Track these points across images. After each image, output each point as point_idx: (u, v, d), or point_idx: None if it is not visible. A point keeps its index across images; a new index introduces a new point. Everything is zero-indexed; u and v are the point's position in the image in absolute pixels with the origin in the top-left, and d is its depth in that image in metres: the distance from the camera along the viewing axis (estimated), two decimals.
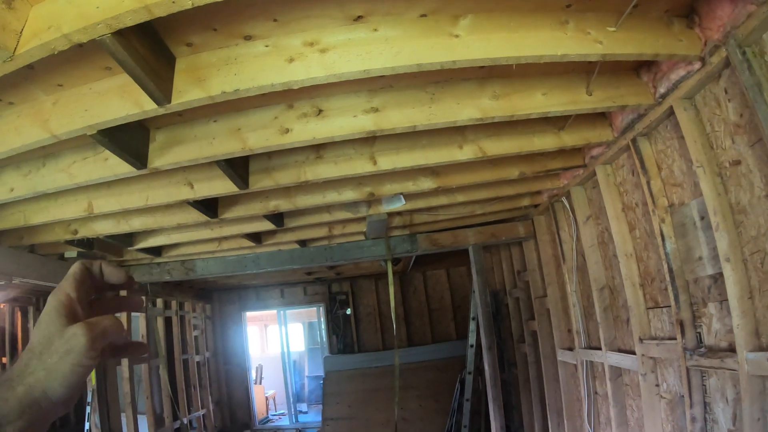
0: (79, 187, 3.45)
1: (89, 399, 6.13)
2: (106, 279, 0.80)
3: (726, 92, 2.54)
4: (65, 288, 0.73)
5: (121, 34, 1.89)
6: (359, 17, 2.30)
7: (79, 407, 7.62)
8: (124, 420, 6.57)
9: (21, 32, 1.89)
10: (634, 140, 3.36)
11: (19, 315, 8.21)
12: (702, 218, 2.88)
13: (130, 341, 0.85)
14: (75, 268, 0.76)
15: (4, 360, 7.88)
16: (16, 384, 0.63)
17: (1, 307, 7.95)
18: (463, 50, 2.33)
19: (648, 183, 3.28)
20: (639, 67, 3.06)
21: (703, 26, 2.48)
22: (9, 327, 8.06)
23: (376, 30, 2.33)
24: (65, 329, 0.67)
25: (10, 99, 2.61)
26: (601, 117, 3.60)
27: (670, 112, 2.94)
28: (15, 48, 1.88)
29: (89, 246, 5.07)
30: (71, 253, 5.24)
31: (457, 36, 2.34)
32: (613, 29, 2.42)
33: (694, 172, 2.81)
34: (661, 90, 2.93)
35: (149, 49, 2.15)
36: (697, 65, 2.61)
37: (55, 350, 0.66)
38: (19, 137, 2.64)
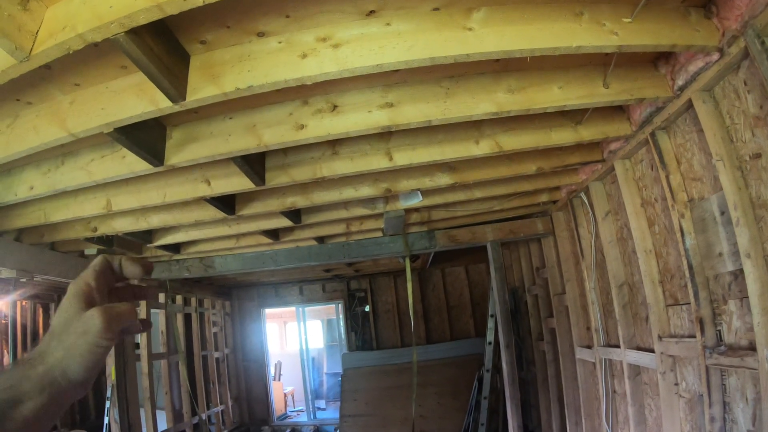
0: (98, 185, 3.49)
1: (108, 394, 6.20)
2: (125, 275, 0.84)
3: (745, 84, 2.50)
4: (85, 277, 0.77)
5: (135, 32, 1.92)
6: (372, 12, 2.29)
7: (99, 401, 7.72)
8: (143, 415, 6.64)
9: (37, 33, 1.92)
10: (652, 134, 3.31)
11: (40, 311, 8.34)
12: (722, 213, 2.83)
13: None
14: (97, 260, 0.80)
15: (26, 355, 8.00)
16: (37, 363, 0.68)
17: (23, 303, 8.07)
18: (477, 43, 2.31)
19: (667, 177, 3.23)
20: (656, 60, 3.01)
21: (720, 16, 2.44)
22: (30, 323, 8.18)
23: (388, 24, 2.32)
24: (83, 313, 0.72)
25: (29, 99, 2.66)
26: (618, 111, 3.56)
27: (689, 105, 2.89)
28: (31, 48, 1.91)
29: (109, 243, 5.13)
30: (91, 250, 5.30)
31: (470, 29, 2.32)
32: (628, 20, 2.39)
33: (713, 166, 2.76)
34: (680, 82, 2.88)
35: (163, 47, 2.17)
36: (715, 56, 2.57)
37: (74, 331, 0.70)
38: (37, 136, 2.68)
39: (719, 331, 2.95)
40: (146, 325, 0.91)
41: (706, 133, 2.76)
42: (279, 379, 13.54)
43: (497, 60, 2.75)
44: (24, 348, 8.03)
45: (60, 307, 0.74)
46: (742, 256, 2.58)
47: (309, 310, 13.47)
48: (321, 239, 6.19)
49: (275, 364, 13.66)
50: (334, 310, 13.24)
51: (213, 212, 4.32)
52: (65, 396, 0.70)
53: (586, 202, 4.72)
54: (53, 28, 1.91)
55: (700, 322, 3.01)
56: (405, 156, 3.61)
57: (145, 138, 2.94)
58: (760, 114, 2.43)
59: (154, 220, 4.51)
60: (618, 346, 4.31)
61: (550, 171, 4.25)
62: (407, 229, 5.99)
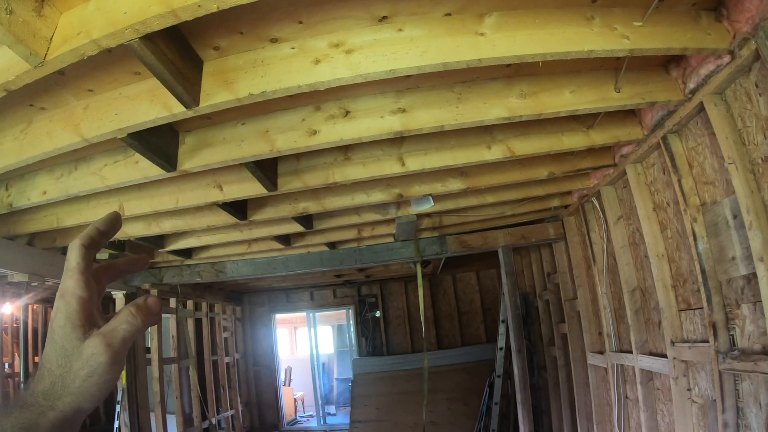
0: (111, 190, 3.51)
1: (119, 398, 6.23)
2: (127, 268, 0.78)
3: (756, 86, 2.49)
4: (72, 288, 0.67)
5: (149, 38, 1.93)
6: (384, 18, 2.31)
7: (109, 406, 7.76)
8: (153, 419, 6.66)
9: (51, 39, 1.94)
10: (664, 138, 3.30)
11: (51, 315, 8.39)
12: (735, 217, 2.82)
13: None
14: (75, 256, 0.68)
15: (37, 359, 8.04)
16: (47, 409, 0.61)
17: (34, 307, 8.12)
18: (489, 48, 2.32)
19: (679, 181, 3.22)
20: (668, 63, 3.01)
21: (731, 19, 2.43)
22: (42, 327, 8.23)
23: (401, 30, 2.34)
24: (82, 346, 0.64)
25: (42, 104, 2.69)
26: (630, 114, 3.56)
27: (701, 108, 2.88)
28: (45, 54, 1.93)
29: (121, 248, 5.16)
30: (103, 254, 5.33)
31: (482, 34, 2.33)
32: (639, 24, 2.39)
33: (725, 170, 2.74)
34: (691, 85, 2.88)
35: (177, 53, 2.19)
36: (726, 59, 2.56)
37: (77, 374, 0.62)
38: (51, 141, 2.71)
39: (732, 335, 2.94)
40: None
41: (717, 137, 2.75)
42: (289, 385, 13.55)
43: (509, 65, 2.75)
44: (35, 351, 8.08)
45: (51, 331, 0.66)
46: (755, 260, 2.56)
47: (319, 316, 13.51)
48: (332, 245, 6.20)
49: (285, 370, 13.67)
50: (344, 316, 13.24)
51: (225, 217, 4.35)
52: (77, 426, 0.65)
53: (598, 206, 4.71)
54: (67, 33, 1.93)
55: (713, 326, 2.99)
56: (417, 161, 3.62)
57: (159, 143, 2.96)
58: None
59: (167, 225, 4.54)
60: (630, 352, 4.29)
61: (561, 176, 4.24)
62: (419, 234, 5.99)
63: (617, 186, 4.42)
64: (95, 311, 0.68)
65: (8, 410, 0.61)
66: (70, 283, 0.67)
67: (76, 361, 0.63)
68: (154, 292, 6.54)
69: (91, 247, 0.70)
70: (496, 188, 4.62)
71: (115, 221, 0.75)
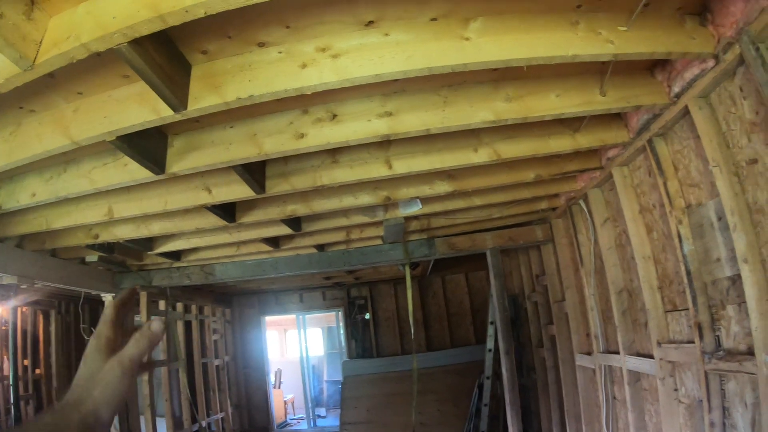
0: (100, 192, 3.50)
1: None
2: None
3: (741, 90, 2.52)
4: (105, 332, 0.90)
5: (137, 43, 1.94)
6: (370, 22, 2.32)
7: None
8: (143, 422, 6.62)
9: (41, 42, 1.95)
10: (650, 141, 3.33)
11: (41, 318, 8.31)
12: (719, 219, 2.85)
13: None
14: (110, 311, 0.94)
15: (26, 362, 7.97)
16: (74, 410, 0.79)
17: (23, 310, 8.05)
18: (474, 52, 2.34)
19: (665, 184, 3.25)
20: (653, 67, 3.04)
21: (716, 23, 2.47)
22: (31, 329, 8.15)
23: (387, 35, 2.35)
24: (104, 365, 0.85)
25: (32, 107, 2.69)
26: (616, 118, 3.58)
27: (686, 112, 2.91)
28: (35, 57, 1.94)
29: (110, 250, 5.14)
30: (92, 257, 5.31)
31: (467, 39, 2.35)
32: (624, 29, 2.42)
33: (710, 172, 2.77)
34: (676, 89, 2.91)
35: (165, 57, 2.20)
36: (710, 63, 2.59)
37: (97, 383, 0.83)
38: (40, 144, 2.71)
39: (718, 336, 2.96)
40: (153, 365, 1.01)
41: (702, 140, 2.78)
42: (279, 387, 13.52)
43: (495, 69, 2.77)
44: (24, 354, 8.00)
45: (85, 358, 0.87)
46: (739, 261, 2.59)
47: (309, 318, 13.49)
48: (321, 247, 6.20)
49: (275, 372, 13.65)
50: (334, 318, 13.26)
51: (214, 220, 4.34)
52: None
53: (585, 209, 4.74)
54: (57, 37, 1.94)
55: (699, 327, 3.02)
56: (404, 164, 3.64)
57: (147, 146, 2.96)
58: (756, 120, 2.45)
59: (155, 228, 4.53)
60: (617, 353, 4.32)
61: (548, 178, 4.26)
62: (407, 236, 6.00)
63: (604, 188, 4.46)
64: (118, 346, 0.89)
65: (46, 414, 0.80)
66: (103, 328, 0.91)
67: (98, 375, 0.84)
68: (143, 293, 6.51)
69: (122, 306, 0.97)
70: (484, 191, 4.64)
71: (134, 291, 1.08)
